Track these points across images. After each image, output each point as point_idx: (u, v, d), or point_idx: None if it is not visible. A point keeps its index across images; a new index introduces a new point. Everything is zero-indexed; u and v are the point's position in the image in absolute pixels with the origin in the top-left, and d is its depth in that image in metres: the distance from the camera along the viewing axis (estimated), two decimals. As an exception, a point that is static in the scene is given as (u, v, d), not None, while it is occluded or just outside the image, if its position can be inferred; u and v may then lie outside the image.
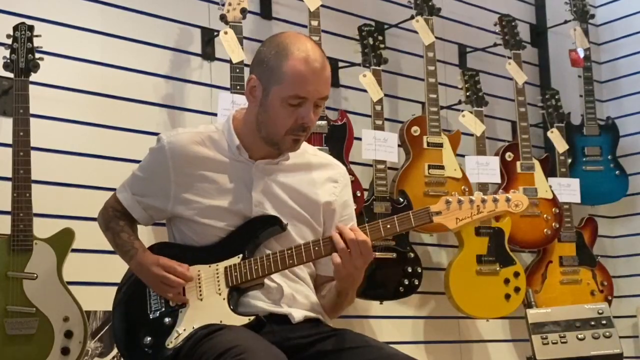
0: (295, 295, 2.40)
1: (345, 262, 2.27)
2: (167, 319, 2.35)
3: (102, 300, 3.15)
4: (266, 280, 2.35)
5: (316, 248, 2.32)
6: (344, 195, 2.54)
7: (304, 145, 2.54)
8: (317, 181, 2.48)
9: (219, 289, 2.34)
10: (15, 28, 2.99)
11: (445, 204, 2.32)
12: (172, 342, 2.31)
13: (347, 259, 2.27)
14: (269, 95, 2.34)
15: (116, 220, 2.51)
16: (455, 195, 2.33)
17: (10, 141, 2.91)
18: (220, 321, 2.30)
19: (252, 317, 2.30)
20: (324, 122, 3.63)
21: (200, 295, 2.35)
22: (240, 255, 2.35)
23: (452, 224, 2.32)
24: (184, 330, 2.31)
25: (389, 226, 2.31)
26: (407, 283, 3.80)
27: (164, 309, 2.36)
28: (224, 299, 2.33)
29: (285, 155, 2.44)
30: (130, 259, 2.44)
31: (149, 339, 2.34)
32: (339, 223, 2.49)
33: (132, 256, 2.43)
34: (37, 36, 3.00)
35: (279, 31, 3.84)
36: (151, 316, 2.37)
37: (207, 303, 2.33)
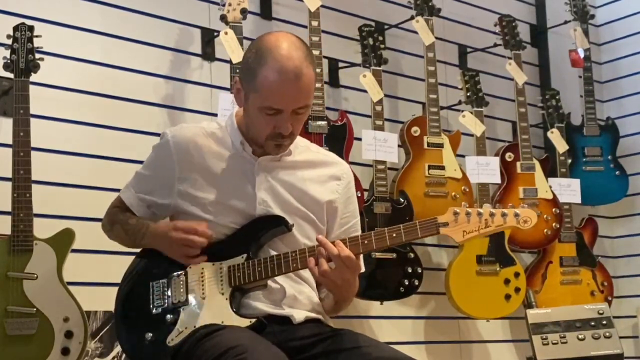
0: (297, 296, 2.39)
1: (331, 275, 2.27)
2: (168, 316, 2.34)
3: (102, 300, 3.15)
4: (269, 281, 2.35)
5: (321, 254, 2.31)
6: (347, 192, 2.53)
7: (307, 142, 2.54)
8: (320, 179, 2.48)
9: (222, 289, 2.34)
10: (16, 28, 2.99)
11: (453, 216, 2.28)
12: (173, 339, 2.31)
13: (331, 272, 2.26)
14: (248, 101, 2.33)
15: (121, 212, 2.49)
16: (464, 207, 2.29)
17: (10, 141, 2.91)
18: (222, 322, 2.29)
19: (253, 320, 2.29)
20: (324, 123, 3.63)
21: (203, 294, 2.34)
22: (245, 255, 2.35)
23: (459, 236, 2.28)
24: (186, 328, 2.31)
25: (394, 235, 2.29)
26: (407, 283, 3.80)
27: (166, 305, 2.35)
28: (226, 299, 2.32)
29: (287, 151, 2.44)
30: (143, 236, 2.42)
31: (150, 335, 2.34)
32: (341, 220, 2.50)
33: (145, 232, 2.41)
34: (37, 36, 3.00)
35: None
36: (153, 311, 2.36)
37: (209, 302, 2.33)
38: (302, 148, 2.49)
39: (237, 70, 2.32)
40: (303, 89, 2.27)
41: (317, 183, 2.47)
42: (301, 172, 2.46)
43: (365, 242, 2.29)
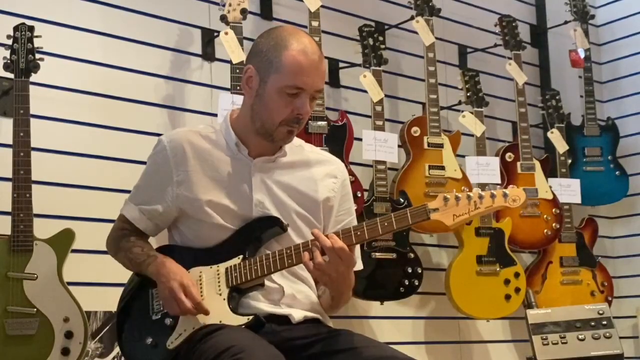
0: (295, 295, 2.40)
1: (325, 268, 2.27)
2: (168, 320, 2.35)
3: (102, 301, 3.16)
4: (267, 281, 2.35)
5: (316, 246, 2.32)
6: (342, 190, 2.54)
7: (301, 142, 2.55)
8: (316, 178, 2.48)
9: (219, 290, 2.34)
10: (16, 28, 2.99)
11: (443, 201, 2.29)
12: (173, 342, 2.32)
13: (326, 265, 2.26)
14: (266, 85, 2.35)
15: (126, 238, 2.47)
16: (453, 192, 2.31)
17: (10, 142, 2.91)
18: (220, 321, 2.30)
19: (250, 317, 2.30)
20: (324, 123, 3.63)
21: (201, 296, 2.35)
22: (241, 256, 2.36)
23: (449, 220, 2.29)
24: (185, 330, 2.32)
25: (386, 224, 2.29)
26: (407, 283, 3.80)
27: (165, 310, 2.36)
28: (224, 299, 2.33)
29: (282, 152, 2.45)
30: (148, 266, 2.38)
31: (150, 339, 2.35)
32: (336, 217, 2.50)
33: (149, 263, 2.38)
34: (37, 37, 3.00)
35: (279, 32, 3.88)
36: (153, 317, 2.38)
37: (207, 304, 2.33)
38: (296, 148, 2.50)
39: (247, 61, 2.34)
40: (323, 73, 2.41)
41: (314, 182, 2.47)
42: (297, 172, 2.47)
43: (358, 233, 2.29)
